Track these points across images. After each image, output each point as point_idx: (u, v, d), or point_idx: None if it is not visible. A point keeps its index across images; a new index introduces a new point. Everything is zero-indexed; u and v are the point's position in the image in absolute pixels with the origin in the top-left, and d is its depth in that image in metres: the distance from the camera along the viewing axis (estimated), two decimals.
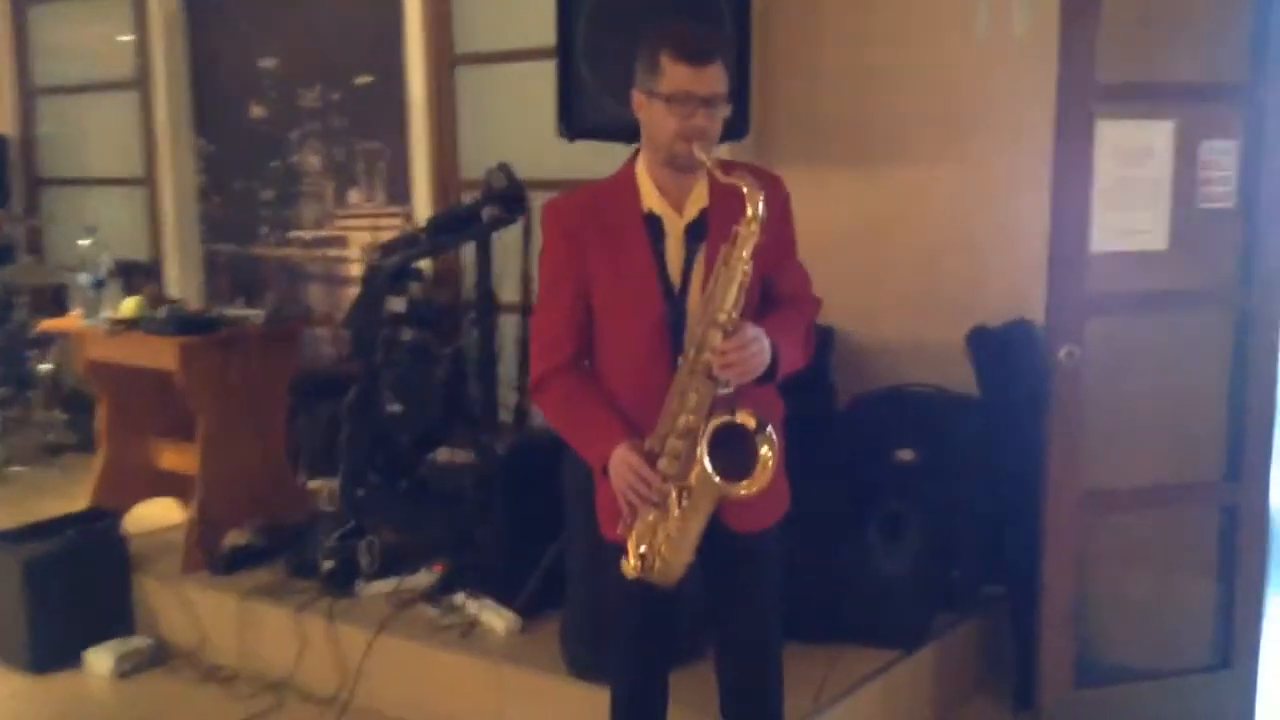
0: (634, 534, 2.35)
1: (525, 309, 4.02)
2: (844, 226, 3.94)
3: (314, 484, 4.68)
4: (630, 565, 2.36)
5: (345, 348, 4.97)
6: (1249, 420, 3.32)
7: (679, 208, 2.37)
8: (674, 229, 2.37)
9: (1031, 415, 3.61)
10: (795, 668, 2.67)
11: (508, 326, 4.08)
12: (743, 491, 2.23)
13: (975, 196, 3.80)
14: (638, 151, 2.43)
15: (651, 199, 2.37)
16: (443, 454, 4.55)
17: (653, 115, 2.31)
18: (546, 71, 4.75)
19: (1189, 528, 3.51)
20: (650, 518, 2.32)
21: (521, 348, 4.05)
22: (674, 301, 2.34)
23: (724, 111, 2.31)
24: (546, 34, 4.64)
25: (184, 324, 4.08)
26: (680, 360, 2.27)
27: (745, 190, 2.21)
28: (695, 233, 2.35)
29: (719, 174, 2.25)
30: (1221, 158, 3.26)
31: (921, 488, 3.59)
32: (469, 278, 4.99)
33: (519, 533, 3.65)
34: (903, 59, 3.84)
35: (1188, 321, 3.43)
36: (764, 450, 2.23)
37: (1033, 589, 3.47)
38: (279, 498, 4.37)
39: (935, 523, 3.51)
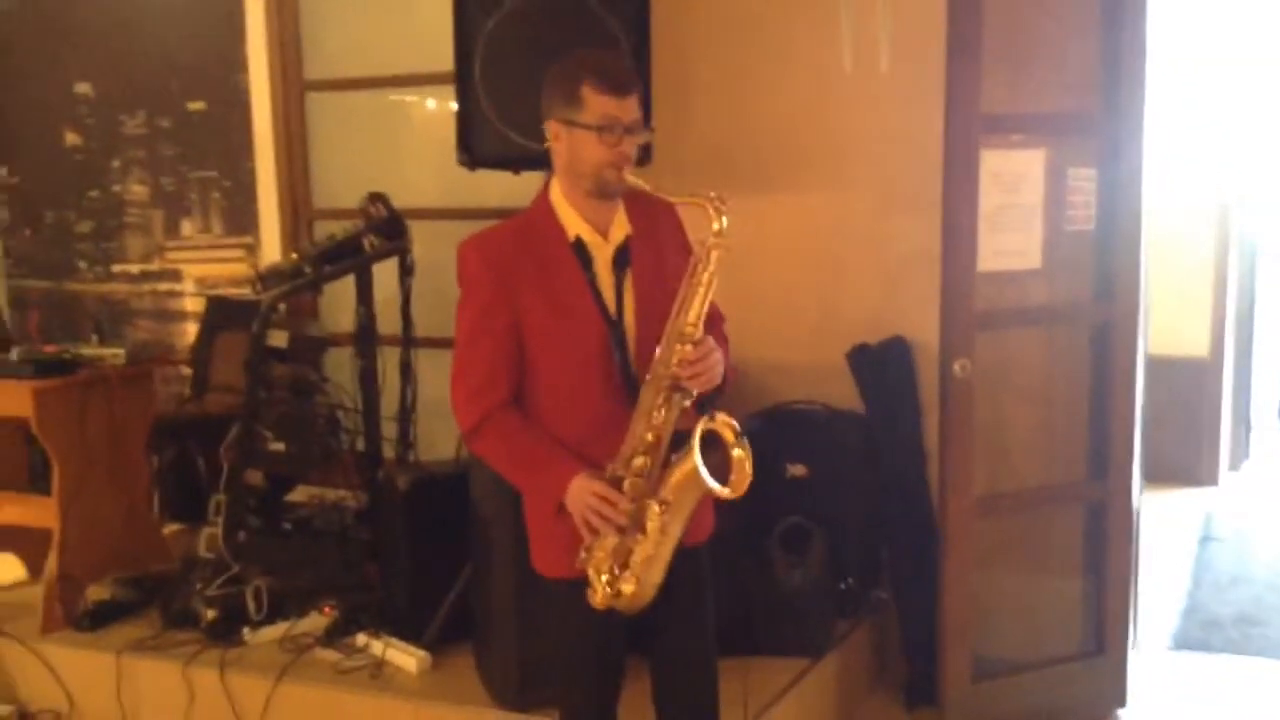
0: (593, 565, 2.34)
1: (408, 341, 3.95)
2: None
3: (168, 529, 4.45)
4: (600, 595, 2.35)
5: (187, 386, 4.74)
6: (1112, 422, 3.61)
7: (604, 235, 2.40)
8: (602, 255, 2.39)
9: (911, 426, 3.83)
10: None
11: (389, 358, 4.01)
12: (728, 491, 2.27)
13: (848, 222, 3.95)
14: (548, 183, 2.43)
15: (577, 227, 2.38)
16: (300, 493, 4.41)
17: (575, 145, 2.32)
18: (402, 100, 4.77)
19: (1064, 525, 3.78)
20: (611, 544, 2.32)
21: (403, 377, 3.99)
22: (614, 326, 2.36)
23: (643, 137, 2.38)
24: (400, 61, 4.67)
25: (42, 366, 3.80)
26: (647, 378, 2.30)
27: (709, 206, 2.29)
28: (621, 259, 2.39)
29: (654, 194, 2.31)
30: (1084, 183, 3.55)
31: (815, 501, 3.73)
32: (327, 309, 4.90)
33: (423, 569, 3.58)
34: (777, 95, 3.97)
35: (1060, 333, 3.71)
36: (737, 452, 2.29)
37: (918, 593, 3.69)
38: (142, 548, 4.12)
39: (830, 534, 3.65)
